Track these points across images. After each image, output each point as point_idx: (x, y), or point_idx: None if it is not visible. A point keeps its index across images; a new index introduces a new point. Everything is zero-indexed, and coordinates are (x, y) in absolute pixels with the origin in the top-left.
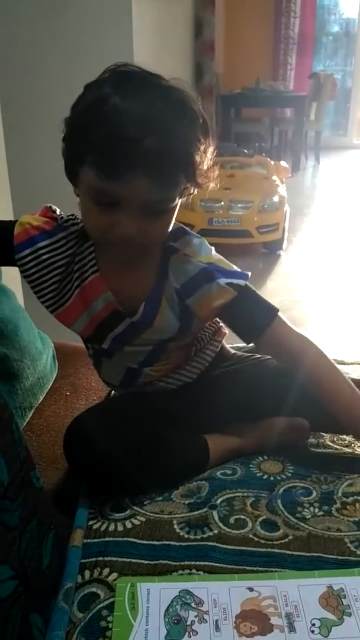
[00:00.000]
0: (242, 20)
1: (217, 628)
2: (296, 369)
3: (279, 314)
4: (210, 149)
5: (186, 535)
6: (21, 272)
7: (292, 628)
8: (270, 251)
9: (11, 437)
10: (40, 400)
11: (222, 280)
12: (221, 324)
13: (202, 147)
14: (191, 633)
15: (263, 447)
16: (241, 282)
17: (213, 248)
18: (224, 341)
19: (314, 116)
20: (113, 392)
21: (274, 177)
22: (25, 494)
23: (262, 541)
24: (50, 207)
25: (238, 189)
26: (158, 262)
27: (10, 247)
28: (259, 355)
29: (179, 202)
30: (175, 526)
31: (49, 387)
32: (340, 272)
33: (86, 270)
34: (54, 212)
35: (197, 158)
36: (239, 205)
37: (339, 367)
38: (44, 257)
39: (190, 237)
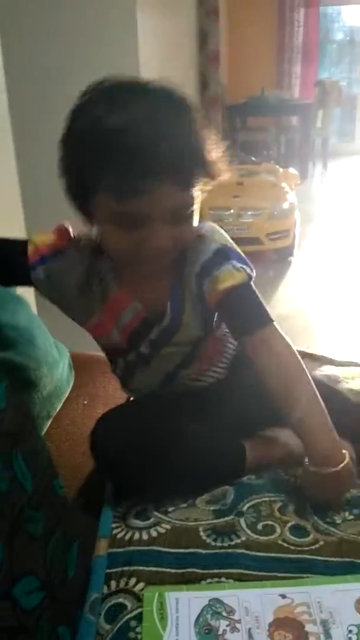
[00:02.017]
0: (246, 31)
1: (250, 637)
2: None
3: (274, 324)
4: (213, 137)
5: (213, 543)
6: (39, 292)
7: (328, 635)
8: (280, 258)
9: (34, 445)
10: (57, 410)
11: (236, 263)
12: None
13: (206, 137)
14: None
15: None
16: (251, 272)
17: (224, 232)
18: None
19: (320, 123)
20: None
21: (283, 184)
22: (49, 503)
23: (292, 547)
24: (64, 225)
25: (247, 197)
26: (171, 259)
27: (27, 266)
28: None
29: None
30: (202, 533)
31: (66, 396)
32: (351, 279)
33: (107, 286)
34: (67, 231)
35: (207, 149)
36: (249, 212)
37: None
38: (58, 277)
39: (201, 224)
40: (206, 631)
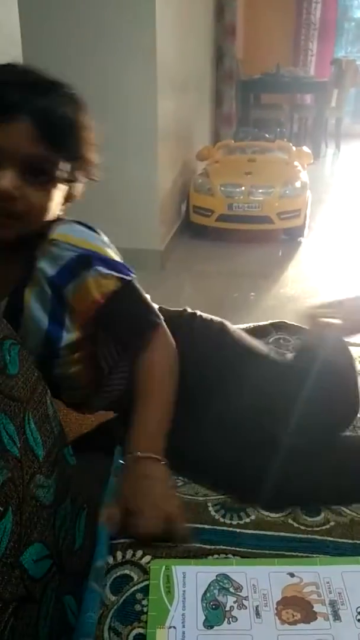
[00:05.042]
0: (263, 5)
1: (257, 614)
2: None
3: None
4: (92, 134)
5: (222, 519)
6: None
7: (336, 616)
8: (290, 238)
9: (45, 411)
10: None
11: (102, 269)
12: None
13: (86, 124)
14: (230, 619)
15: None
16: (125, 276)
17: (95, 234)
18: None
19: (334, 103)
20: None
21: (296, 163)
22: (59, 470)
23: (302, 527)
24: None
25: (259, 174)
26: (23, 252)
27: None
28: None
29: (62, 185)
30: (211, 509)
31: None
32: None
33: None
34: None
35: (84, 131)
36: (260, 190)
37: None
38: None
39: (64, 223)
40: (213, 606)
